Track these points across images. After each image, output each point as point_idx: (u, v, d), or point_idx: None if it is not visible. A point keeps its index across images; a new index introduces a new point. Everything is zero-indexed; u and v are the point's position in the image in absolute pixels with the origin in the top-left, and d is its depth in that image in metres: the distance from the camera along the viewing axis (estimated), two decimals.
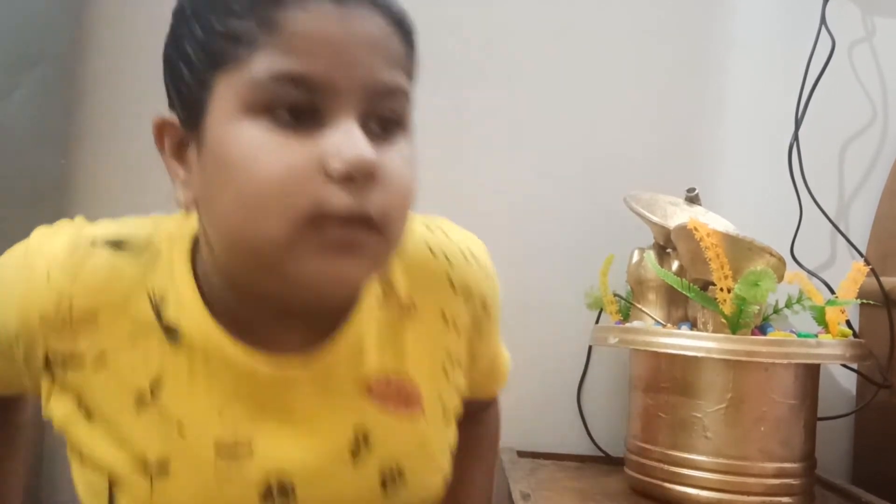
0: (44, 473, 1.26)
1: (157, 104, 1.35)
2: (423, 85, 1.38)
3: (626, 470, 1.03)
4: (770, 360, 0.87)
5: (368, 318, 0.62)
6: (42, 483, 1.25)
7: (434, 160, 1.28)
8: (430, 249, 0.68)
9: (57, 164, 1.22)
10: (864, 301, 1.01)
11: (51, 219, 0.60)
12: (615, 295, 1.12)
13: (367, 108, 0.52)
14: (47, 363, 0.57)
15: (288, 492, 0.58)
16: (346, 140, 0.50)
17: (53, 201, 1.20)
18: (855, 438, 1.13)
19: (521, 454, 1.21)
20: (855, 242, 1.15)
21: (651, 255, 1.07)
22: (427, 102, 1.32)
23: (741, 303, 0.89)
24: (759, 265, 0.90)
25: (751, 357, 0.87)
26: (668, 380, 0.95)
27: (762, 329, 0.97)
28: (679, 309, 1.10)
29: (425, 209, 1.31)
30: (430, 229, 0.70)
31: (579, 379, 1.26)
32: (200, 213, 0.57)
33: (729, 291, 0.89)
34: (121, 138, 1.28)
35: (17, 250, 0.60)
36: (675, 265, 1.10)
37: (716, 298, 0.91)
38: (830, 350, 0.90)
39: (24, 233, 0.61)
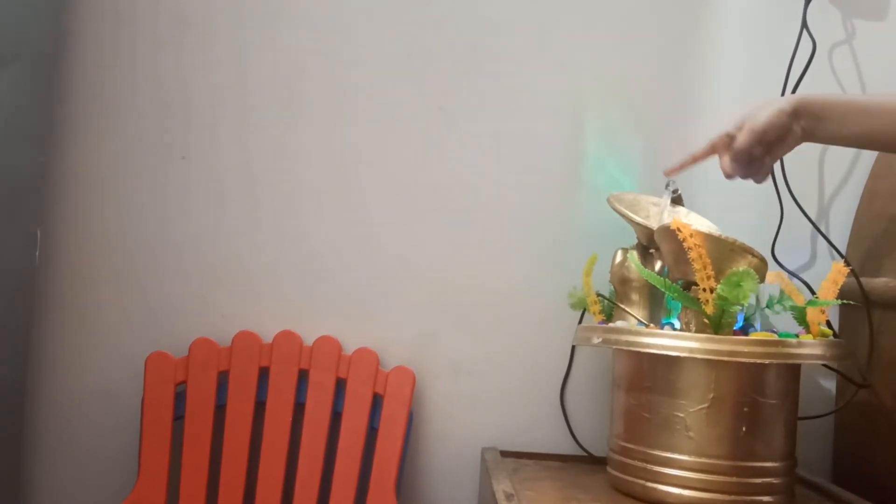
0: (22, 473, 1.24)
1: (134, 101, 1.34)
2: (408, 82, 1.38)
3: (609, 469, 1.03)
4: (752, 360, 0.88)
5: None
6: (20, 483, 1.24)
7: (418, 158, 1.28)
8: None
9: (34, 162, 1.20)
10: (845, 301, 1.02)
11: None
12: (598, 295, 1.12)
13: None
14: None
15: None
16: None
17: (31, 198, 1.19)
18: (835, 437, 1.14)
19: (505, 454, 1.21)
20: (835, 243, 1.15)
21: (634, 256, 1.07)
22: (412, 101, 1.33)
23: (724, 303, 0.89)
24: (742, 265, 0.90)
25: (733, 357, 0.87)
26: (651, 379, 0.95)
27: (744, 329, 0.98)
28: (662, 309, 1.10)
29: (409, 206, 1.32)
30: None
31: (562, 379, 1.27)
32: None
33: (712, 291, 0.90)
34: (99, 135, 1.26)
35: None
36: (657, 265, 1.10)
37: (698, 298, 0.91)
38: (811, 350, 0.91)
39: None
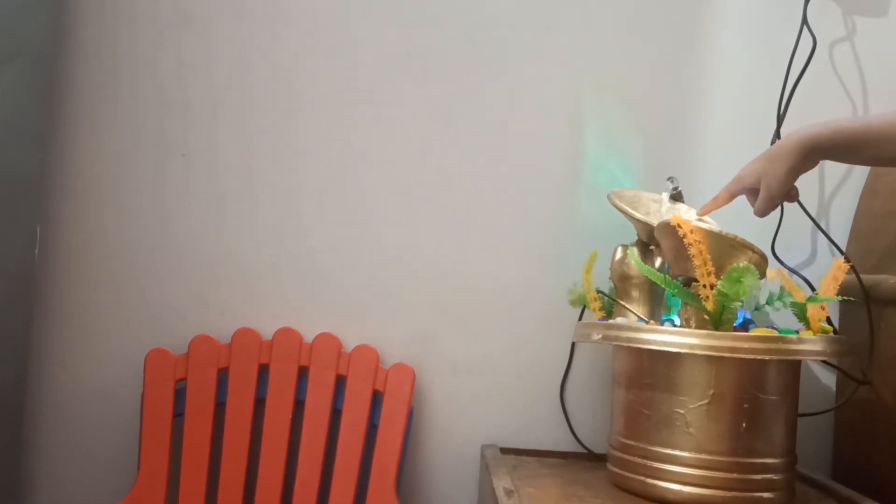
0: (22, 472, 1.24)
1: (134, 100, 1.34)
2: (408, 81, 1.39)
3: (609, 466, 1.03)
4: (752, 357, 0.88)
5: None
6: (20, 482, 1.24)
7: (418, 155, 1.28)
8: None
9: (34, 160, 1.20)
10: (845, 298, 1.02)
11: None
12: (598, 291, 1.12)
13: None
14: None
15: None
16: None
17: (31, 197, 1.19)
18: (835, 434, 1.14)
19: (505, 451, 1.21)
20: (835, 240, 1.15)
21: (634, 252, 1.07)
22: (412, 98, 1.33)
23: (724, 299, 0.89)
24: (742, 262, 0.90)
25: (733, 353, 0.87)
26: (651, 376, 0.95)
27: (744, 325, 0.98)
28: (662, 305, 1.10)
29: (409, 204, 1.31)
30: None
31: (562, 376, 1.27)
32: None
33: (712, 288, 0.90)
34: (99, 134, 1.26)
35: None
36: (658, 262, 1.10)
37: (699, 295, 0.91)
38: (811, 346, 0.90)
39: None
